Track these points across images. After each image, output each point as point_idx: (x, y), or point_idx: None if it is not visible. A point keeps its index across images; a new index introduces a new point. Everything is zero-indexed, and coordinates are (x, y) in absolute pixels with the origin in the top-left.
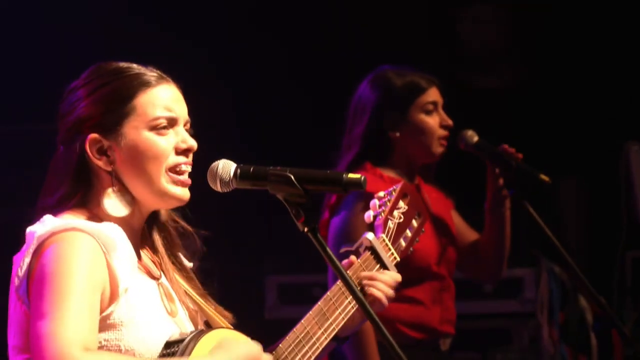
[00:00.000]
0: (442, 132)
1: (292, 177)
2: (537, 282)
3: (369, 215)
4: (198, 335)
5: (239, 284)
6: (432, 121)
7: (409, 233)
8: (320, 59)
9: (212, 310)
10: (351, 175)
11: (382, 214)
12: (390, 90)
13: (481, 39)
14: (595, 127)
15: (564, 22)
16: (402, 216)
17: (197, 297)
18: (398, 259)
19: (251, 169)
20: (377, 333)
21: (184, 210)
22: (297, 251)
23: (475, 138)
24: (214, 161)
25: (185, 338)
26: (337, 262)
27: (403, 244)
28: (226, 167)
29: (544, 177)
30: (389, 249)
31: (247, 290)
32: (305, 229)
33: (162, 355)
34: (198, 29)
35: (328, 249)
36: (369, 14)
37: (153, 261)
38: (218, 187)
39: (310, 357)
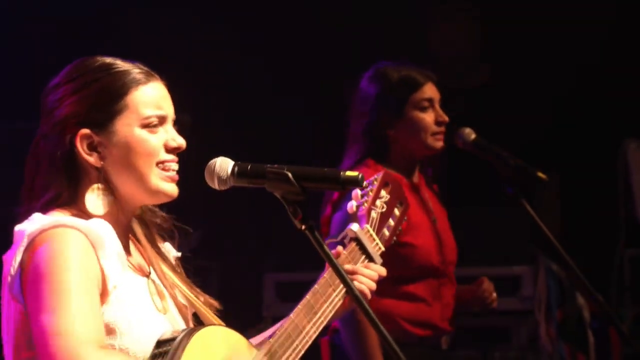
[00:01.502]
0: (437, 129)
1: (290, 175)
2: (535, 280)
3: (351, 205)
4: (190, 333)
5: (237, 282)
6: (427, 118)
7: (391, 222)
8: (318, 58)
9: (200, 303)
10: (349, 173)
11: (365, 204)
12: (386, 88)
13: (454, 43)
14: (592, 125)
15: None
16: (384, 205)
17: (185, 288)
18: (383, 248)
19: (249, 167)
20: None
21: (174, 206)
22: (295, 249)
23: (473, 136)
24: (212, 159)
25: (177, 337)
26: (334, 260)
27: (387, 233)
28: (224, 164)
29: (541, 174)
30: (374, 239)
31: (245, 287)
32: (303, 227)
33: (153, 354)
34: (194, 26)
35: (325, 247)
36: (364, 14)
37: (142, 255)
38: (215, 185)
39: (300, 351)
